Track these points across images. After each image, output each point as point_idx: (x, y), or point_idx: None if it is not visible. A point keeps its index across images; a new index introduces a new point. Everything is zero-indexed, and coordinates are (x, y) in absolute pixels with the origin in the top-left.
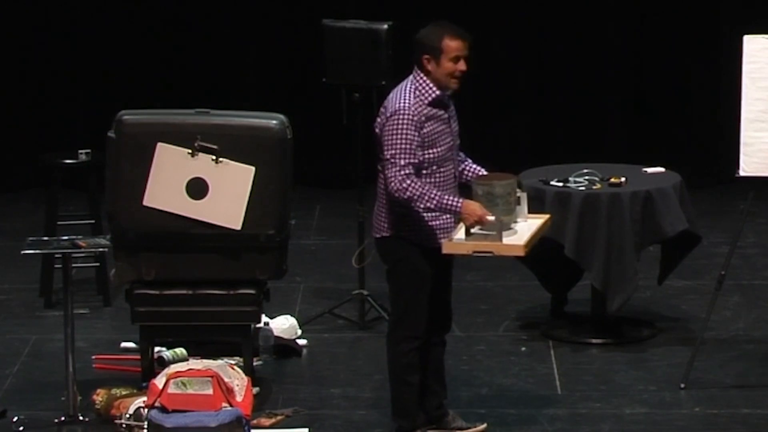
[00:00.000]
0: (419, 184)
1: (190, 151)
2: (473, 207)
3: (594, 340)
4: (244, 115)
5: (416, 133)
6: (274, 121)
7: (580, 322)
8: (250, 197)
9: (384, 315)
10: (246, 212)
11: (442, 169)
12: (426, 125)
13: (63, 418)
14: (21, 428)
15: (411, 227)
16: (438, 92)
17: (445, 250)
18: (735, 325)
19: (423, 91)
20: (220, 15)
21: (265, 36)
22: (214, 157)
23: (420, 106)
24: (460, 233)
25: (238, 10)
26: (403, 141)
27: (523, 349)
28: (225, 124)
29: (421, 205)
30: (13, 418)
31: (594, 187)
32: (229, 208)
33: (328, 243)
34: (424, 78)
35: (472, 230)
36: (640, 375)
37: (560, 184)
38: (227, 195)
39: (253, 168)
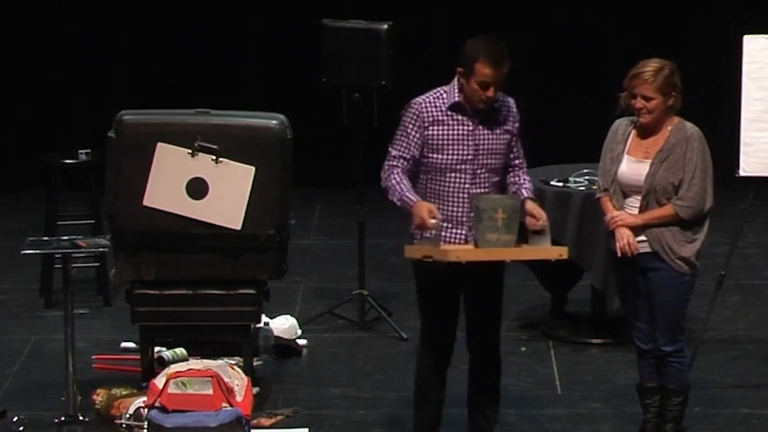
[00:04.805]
0: (396, 177)
1: (190, 151)
2: (419, 208)
3: (594, 340)
4: (244, 115)
5: (417, 131)
6: (274, 121)
7: (580, 322)
8: (250, 197)
9: (384, 315)
10: (246, 212)
11: (444, 179)
12: (432, 127)
13: (63, 418)
14: (21, 428)
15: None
16: (457, 98)
17: (405, 254)
18: (735, 325)
19: (447, 93)
20: (221, 15)
21: (265, 36)
22: (214, 157)
23: (433, 106)
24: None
25: (239, 10)
26: (402, 133)
27: (523, 349)
28: (225, 124)
29: (390, 198)
30: (13, 418)
31: (594, 187)
32: (229, 208)
33: (328, 243)
34: (456, 83)
35: (428, 234)
36: None
37: (560, 184)
38: (227, 195)
39: (253, 168)
